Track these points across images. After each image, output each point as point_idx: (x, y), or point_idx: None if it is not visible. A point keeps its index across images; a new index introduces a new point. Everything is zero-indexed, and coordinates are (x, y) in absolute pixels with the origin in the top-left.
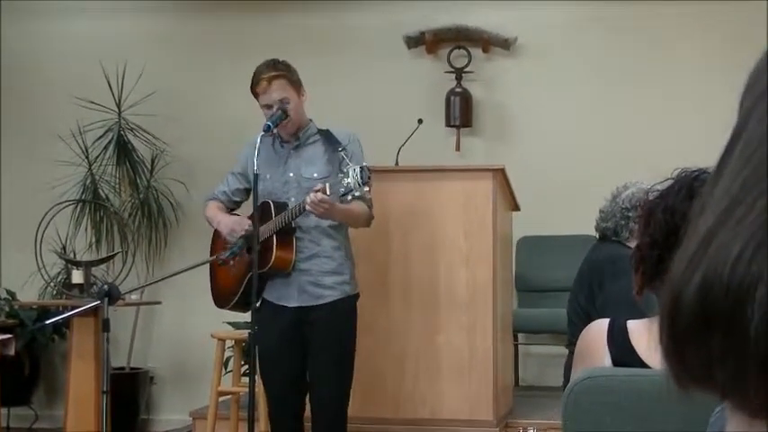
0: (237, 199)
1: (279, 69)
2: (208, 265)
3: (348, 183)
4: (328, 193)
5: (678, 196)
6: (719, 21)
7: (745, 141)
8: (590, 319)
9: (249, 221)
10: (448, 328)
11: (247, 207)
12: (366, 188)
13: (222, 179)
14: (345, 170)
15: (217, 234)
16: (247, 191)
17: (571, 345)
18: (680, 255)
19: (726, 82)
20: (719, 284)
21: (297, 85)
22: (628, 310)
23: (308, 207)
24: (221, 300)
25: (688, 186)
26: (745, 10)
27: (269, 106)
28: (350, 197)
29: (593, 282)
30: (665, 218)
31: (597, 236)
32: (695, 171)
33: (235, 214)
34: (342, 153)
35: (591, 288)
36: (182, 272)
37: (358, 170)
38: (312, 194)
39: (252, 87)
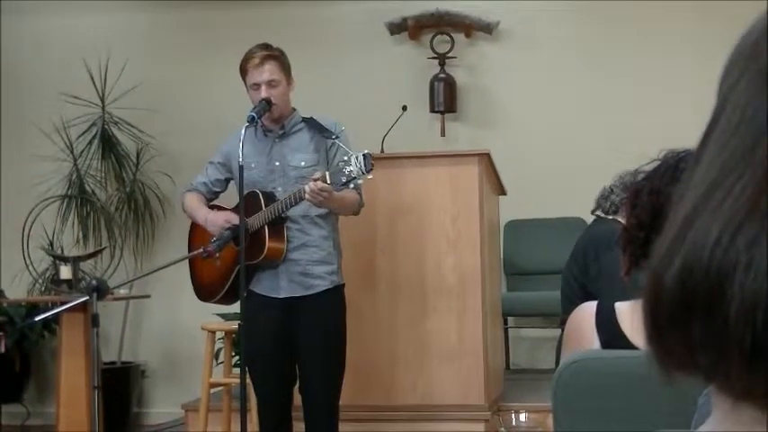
0: (218, 189)
1: (273, 51)
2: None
3: (350, 171)
4: (329, 181)
5: (664, 178)
6: (707, 7)
7: (723, 125)
8: (585, 291)
9: (235, 215)
10: (437, 313)
11: (226, 197)
12: (370, 176)
13: (202, 170)
14: (347, 158)
15: (194, 227)
16: (227, 181)
17: (564, 323)
18: (660, 240)
19: (717, 68)
20: (699, 269)
21: (287, 71)
22: (621, 281)
23: (307, 196)
24: (206, 293)
25: (673, 168)
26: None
27: (256, 86)
28: (352, 185)
29: (588, 254)
30: (650, 200)
31: (595, 213)
32: (681, 152)
33: (216, 205)
34: (337, 141)
35: (585, 260)
36: (170, 264)
37: (361, 158)
38: (312, 183)
39: (242, 64)
